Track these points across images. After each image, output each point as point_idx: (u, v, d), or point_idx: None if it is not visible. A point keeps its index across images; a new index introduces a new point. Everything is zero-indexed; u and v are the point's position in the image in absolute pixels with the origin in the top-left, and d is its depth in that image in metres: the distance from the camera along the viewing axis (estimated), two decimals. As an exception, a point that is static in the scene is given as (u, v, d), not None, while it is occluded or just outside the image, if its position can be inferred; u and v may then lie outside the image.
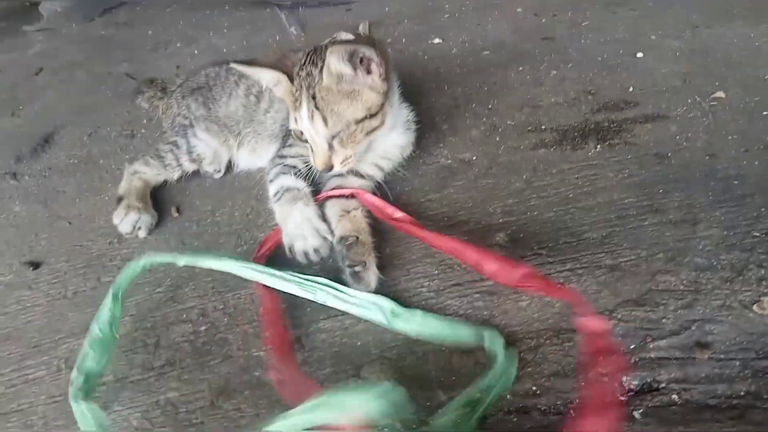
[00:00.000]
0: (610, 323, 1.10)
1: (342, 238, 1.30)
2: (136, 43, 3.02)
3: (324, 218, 1.39)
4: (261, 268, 1.25)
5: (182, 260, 1.30)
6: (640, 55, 1.97)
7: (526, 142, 1.64)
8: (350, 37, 2.41)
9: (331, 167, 1.36)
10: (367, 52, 1.27)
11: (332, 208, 1.41)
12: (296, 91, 1.35)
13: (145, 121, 2.12)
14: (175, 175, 1.68)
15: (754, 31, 1.99)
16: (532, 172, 1.53)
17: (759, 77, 1.75)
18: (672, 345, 1.07)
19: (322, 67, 1.31)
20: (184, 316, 1.28)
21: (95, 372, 1.13)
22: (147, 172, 1.65)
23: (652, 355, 1.06)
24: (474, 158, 1.61)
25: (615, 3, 2.38)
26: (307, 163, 1.46)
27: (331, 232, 1.36)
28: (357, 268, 1.23)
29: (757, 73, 1.77)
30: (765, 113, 1.60)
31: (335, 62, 1.27)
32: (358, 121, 1.33)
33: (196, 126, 1.71)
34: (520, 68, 2.02)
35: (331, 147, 1.34)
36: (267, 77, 1.40)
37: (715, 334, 1.08)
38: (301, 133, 1.38)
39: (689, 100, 1.69)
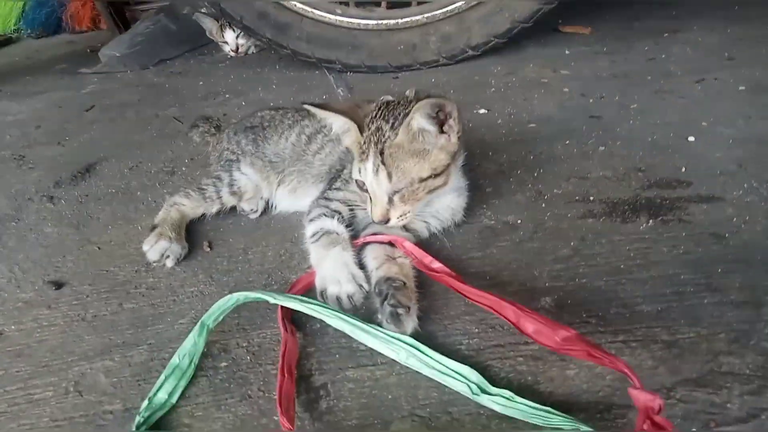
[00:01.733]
0: (661, 399, 0.98)
1: (389, 279, 1.24)
2: (187, 91, 3.11)
3: (361, 265, 1.33)
4: (350, 318, 1.17)
5: (275, 299, 1.21)
6: (691, 138, 1.93)
7: (573, 210, 1.59)
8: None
9: (387, 220, 1.34)
10: (450, 107, 1.29)
11: (374, 252, 1.36)
12: (364, 143, 1.35)
13: (186, 160, 2.14)
14: (214, 209, 1.66)
15: (809, 125, 1.96)
16: (581, 240, 1.46)
17: (818, 169, 1.69)
18: (740, 433, 0.96)
19: (394, 124, 1.31)
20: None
21: (164, 403, 1.07)
22: (186, 204, 1.64)
23: (716, 442, 0.95)
24: (519, 221, 1.56)
25: (663, 90, 2.37)
26: (352, 209, 1.45)
27: (367, 279, 1.30)
28: (400, 311, 1.15)
29: (815, 164, 1.71)
30: (827, 203, 1.53)
31: (419, 118, 1.27)
32: (422, 180, 1.33)
33: (242, 161, 1.71)
34: (567, 142, 2.00)
35: (391, 201, 1.34)
36: (337, 123, 1.40)
37: (787, 426, 0.97)
38: (363, 183, 1.36)
39: (745, 185, 1.63)
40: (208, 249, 1.56)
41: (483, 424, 1.01)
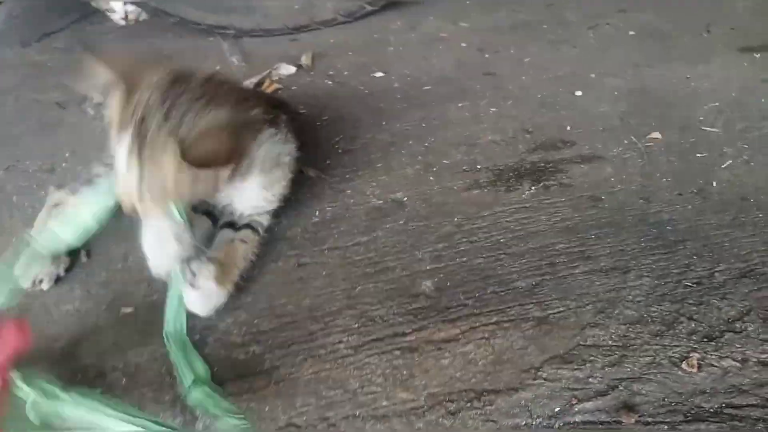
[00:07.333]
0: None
1: None
2: (71, 69, 2.88)
3: None
4: None
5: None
6: (579, 93, 1.94)
7: (460, 182, 1.58)
8: (292, 70, 2.37)
9: None
10: None
11: None
12: None
13: (67, 154, 2.00)
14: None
15: (691, 71, 2.00)
16: (464, 214, 1.46)
17: (694, 118, 1.74)
18: (598, 407, 1.01)
19: None
20: (79, 376, 1.16)
21: None
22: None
23: (576, 419, 1.00)
24: (405, 198, 1.54)
25: (558, 40, 2.36)
26: None
27: None
28: None
29: (692, 114, 1.76)
30: (699, 155, 1.58)
31: None
32: None
33: None
34: (460, 104, 1.98)
35: None
36: None
37: (643, 394, 1.02)
38: None
39: (625, 141, 1.67)
40: (86, 258, 1.48)
41: (358, 427, 1.02)
